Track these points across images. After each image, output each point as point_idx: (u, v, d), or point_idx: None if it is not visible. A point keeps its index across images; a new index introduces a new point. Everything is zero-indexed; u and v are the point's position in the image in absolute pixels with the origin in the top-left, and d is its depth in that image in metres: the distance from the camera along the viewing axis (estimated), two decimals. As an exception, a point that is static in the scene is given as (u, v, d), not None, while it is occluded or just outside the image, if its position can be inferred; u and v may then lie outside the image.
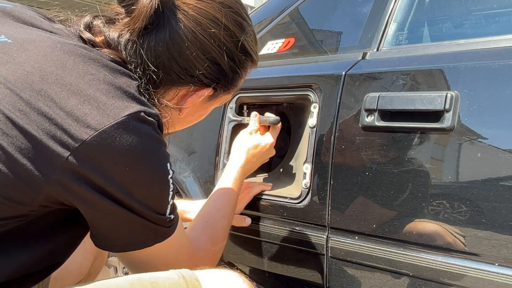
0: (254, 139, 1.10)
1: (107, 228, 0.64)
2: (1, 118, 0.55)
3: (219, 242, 0.91)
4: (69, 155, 0.54)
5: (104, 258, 1.08)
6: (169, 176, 0.64)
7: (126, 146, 0.57)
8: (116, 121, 0.56)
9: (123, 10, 0.67)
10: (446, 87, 0.85)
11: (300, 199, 1.03)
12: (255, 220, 1.13)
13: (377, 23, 1.07)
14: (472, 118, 0.81)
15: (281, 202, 1.07)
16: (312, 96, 1.05)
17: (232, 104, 1.21)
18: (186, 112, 0.75)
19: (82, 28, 0.69)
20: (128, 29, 0.66)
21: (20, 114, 0.55)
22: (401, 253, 0.86)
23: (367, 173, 0.91)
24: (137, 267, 0.71)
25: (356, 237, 0.93)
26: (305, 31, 1.28)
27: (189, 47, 0.67)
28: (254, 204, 1.13)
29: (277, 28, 1.32)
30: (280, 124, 1.14)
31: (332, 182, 0.97)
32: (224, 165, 1.21)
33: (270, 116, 1.14)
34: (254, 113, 1.14)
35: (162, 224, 0.66)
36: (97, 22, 0.70)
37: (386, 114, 0.90)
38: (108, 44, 0.67)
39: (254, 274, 1.19)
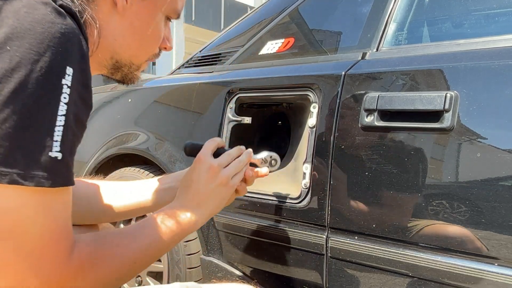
0: (202, 167, 0.83)
1: None
2: None
3: (105, 268, 0.62)
4: None
5: None
6: (63, 81, 0.50)
7: (10, 22, 0.49)
8: None
9: None
10: (445, 87, 0.85)
11: (300, 199, 1.03)
12: (255, 220, 1.13)
13: (377, 23, 1.07)
14: (472, 118, 0.81)
15: (281, 202, 1.07)
16: (312, 96, 1.06)
17: (232, 104, 1.21)
18: (123, 5, 0.66)
19: None
20: None
21: None
22: (401, 253, 0.86)
23: (367, 173, 0.91)
24: None
25: (356, 237, 0.93)
26: (305, 31, 1.28)
27: None
28: (254, 204, 1.13)
29: (277, 28, 1.32)
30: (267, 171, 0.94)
31: (332, 182, 0.97)
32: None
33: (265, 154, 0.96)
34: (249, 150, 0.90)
35: (33, 159, 0.49)
36: None
37: (385, 114, 0.90)
38: None
39: (254, 274, 1.19)
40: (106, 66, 0.72)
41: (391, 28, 1.05)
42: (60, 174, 0.52)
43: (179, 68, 1.66)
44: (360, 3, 1.17)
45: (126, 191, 0.92)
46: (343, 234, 0.95)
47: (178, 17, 0.78)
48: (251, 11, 1.55)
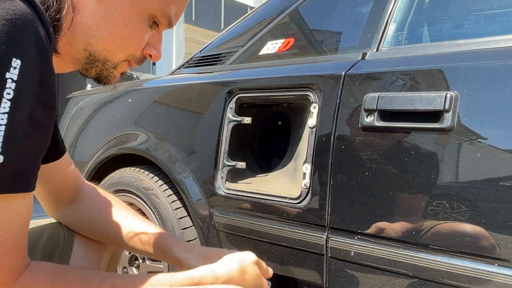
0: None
1: None
2: None
3: None
4: None
5: (117, 262, 1.04)
6: (7, 75, 0.45)
7: None
8: None
9: None
10: (445, 87, 0.85)
11: (300, 199, 1.03)
12: (255, 220, 1.13)
13: (377, 23, 1.07)
14: (472, 118, 0.81)
15: (281, 202, 1.07)
16: (312, 96, 1.06)
17: (232, 104, 1.21)
18: None
19: None
20: None
21: None
22: (401, 253, 0.86)
23: (367, 173, 0.91)
24: None
25: (356, 237, 0.93)
26: (305, 31, 1.28)
27: None
28: (254, 204, 1.13)
29: (277, 28, 1.32)
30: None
31: (332, 182, 0.97)
32: (224, 165, 1.21)
33: None
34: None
35: None
36: None
37: (385, 114, 0.90)
38: None
39: (254, 274, 1.19)
40: (79, 60, 0.66)
41: (391, 28, 1.05)
42: (3, 180, 0.46)
43: (179, 68, 1.66)
44: (360, 3, 1.17)
45: (139, 236, 0.87)
46: (343, 234, 0.95)
47: (169, 24, 0.70)
48: (251, 11, 1.55)
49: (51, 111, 0.52)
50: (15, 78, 0.45)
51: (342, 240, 0.95)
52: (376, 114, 0.91)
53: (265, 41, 1.32)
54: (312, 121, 1.04)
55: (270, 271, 0.83)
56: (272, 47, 1.29)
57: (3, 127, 0.44)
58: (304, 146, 1.06)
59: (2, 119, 0.44)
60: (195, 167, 1.29)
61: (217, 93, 1.27)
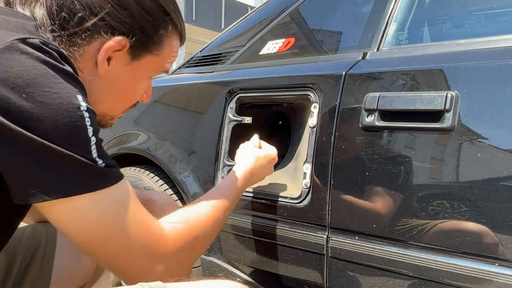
0: (262, 150, 1.07)
1: (22, 170, 0.55)
2: None
3: (198, 232, 0.75)
4: None
5: None
6: (81, 108, 0.57)
7: (15, 69, 0.53)
8: (2, 46, 0.54)
9: None
10: (446, 87, 0.85)
11: (300, 199, 1.03)
12: (256, 220, 1.13)
13: (377, 23, 1.07)
14: (472, 118, 0.81)
15: (281, 202, 1.07)
16: (312, 96, 1.06)
17: (233, 104, 1.22)
18: (105, 69, 0.69)
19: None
20: None
21: None
22: (401, 253, 0.86)
23: (367, 173, 0.91)
24: (70, 231, 0.61)
25: (356, 237, 0.93)
26: (305, 31, 1.28)
27: None
28: (255, 204, 1.13)
29: (277, 28, 1.32)
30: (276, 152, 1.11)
31: (332, 182, 0.97)
32: (224, 165, 1.22)
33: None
34: (256, 135, 1.13)
35: (86, 168, 0.57)
36: None
37: (386, 114, 0.90)
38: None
39: (254, 274, 1.19)
40: None
41: (392, 28, 1.05)
42: (109, 175, 0.60)
43: (179, 68, 1.66)
44: (361, 3, 1.17)
45: None
46: (343, 234, 0.95)
47: (166, 72, 0.80)
48: (252, 11, 1.55)
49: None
50: (85, 108, 0.58)
51: (342, 240, 0.95)
52: (376, 114, 0.91)
53: (266, 41, 1.32)
54: (312, 121, 1.04)
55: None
56: (272, 46, 1.29)
57: (93, 140, 0.59)
58: (305, 146, 1.06)
59: (93, 140, 0.59)
60: (195, 167, 1.29)
61: (218, 93, 1.27)
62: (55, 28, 0.64)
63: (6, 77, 0.53)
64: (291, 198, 1.05)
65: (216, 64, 1.44)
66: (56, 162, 0.55)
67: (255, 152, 1.04)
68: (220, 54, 1.47)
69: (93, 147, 0.58)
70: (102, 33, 0.67)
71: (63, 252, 0.91)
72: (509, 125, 0.77)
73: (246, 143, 1.10)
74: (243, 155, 1.04)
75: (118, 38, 0.67)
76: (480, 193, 0.78)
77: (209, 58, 1.51)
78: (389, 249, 0.88)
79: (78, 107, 0.57)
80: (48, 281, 0.89)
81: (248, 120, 1.19)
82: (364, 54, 1.04)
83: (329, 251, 0.97)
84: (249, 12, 1.57)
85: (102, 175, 0.59)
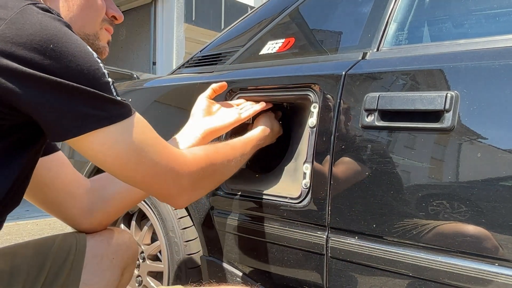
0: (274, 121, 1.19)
1: (54, 111, 0.64)
2: None
3: (215, 162, 0.89)
4: None
5: (132, 272, 1.06)
6: (94, 56, 0.67)
7: (37, 26, 0.61)
8: (20, 9, 0.62)
9: None
10: (446, 87, 0.85)
11: (300, 199, 1.03)
12: (255, 220, 1.13)
13: (377, 23, 1.07)
14: (472, 118, 0.81)
15: (281, 202, 1.07)
16: (312, 96, 1.06)
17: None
18: None
19: None
20: None
21: None
22: (401, 253, 0.86)
23: (367, 173, 0.91)
24: (107, 160, 0.70)
25: (356, 237, 0.93)
26: (305, 31, 1.28)
27: None
28: (254, 204, 1.13)
29: (277, 28, 1.32)
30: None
31: (332, 182, 0.97)
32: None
33: None
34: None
35: (112, 103, 0.67)
36: None
37: (386, 114, 0.90)
38: None
39: (254, 274, 1.19)
40: None
41: (392, 28, 1.05)
42: (128, 107, 0.70)
43: (179, 68, 1.66)
44: (361, 3, 1.17)
45: None
46: (343, 234, 0.95)
47: None
48: (252, 11, 1.54)
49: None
50: (97, 59, 0.68)
51: (342, 240, 0.95)
52: (376, 114, 0.91)
53: (266, 41, 1.32)
54: (312, 120, 1.04)
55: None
56: (272, 46, 1.29)
57: (110, 80, 0.68)
58: (305, 146, 1.06)
59: (110, 81, 0.69)
60: (195, 167, 1.29)
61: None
62: None
63: (32, 32, 0.60)
64: (291, 198, 1.05)
65: (216, 64, 1.44)
66: (88, 101, 0.64)
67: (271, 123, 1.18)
68: (220, 54, 1.47)
69: (112, 87, 0.68)
70: None
71: (89, 266, 0.92)
72: (509, 125, 0.77)
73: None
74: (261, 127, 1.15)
75: None
76: (480, 193, 0.78)
77: (209, 58, 1.51)
78: (389, 249, 0.88)
79: (92, 54, 0.66)
80: None
81: (248, 120, 1.19)
82: (364, 54, 1.04)
83: (329, 251, 0.97)
84: (249, 12, 1.57)
85: (125, 108, 0.69)
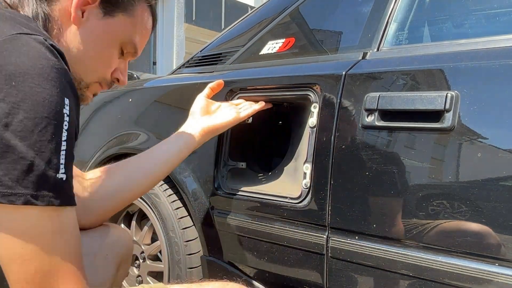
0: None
1: None
2: None
3: None
4: None
5: (128, 267, 1.04)
6: (64, 111, 0.56)
7: (12, 59, 0.54)
8: (3, 38, 0.56)
9: None
10: (446, 87, 0.85)
11: (300, 199, 1.03)
12: (256, 220, 1.13)
13: (378, 23, 1.07)
14: (472, 118, 0.81)
15: (281, 202, 1.07)
16: (312, 96, 1.06)
17: (232, 104, 1.21)
18: (79, 19, 0.73)
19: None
20: None
21: None
22: (401, 253, 0.86)
23: (367, 173, 0.91)
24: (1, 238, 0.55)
25: (356, 237, 0.93)
26: (305, 31, 1.28)
27: None
28: (254, 204, 1.13)
29: (277, 28, 1.32)
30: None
31: (332, 182, 0.97)
32: (225, 164, 1.22)
33: None
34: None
35: (47, 180, 0.54)
36: None
37: (386, 114, 0.90)
38: None
39: (254, 274, 1.19)
40: None
41: (392, 28, 1.05)
42: (65, 194, 0.57)
43: (179, 68, 1.66)
44: (361, 3, 1.17)
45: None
46: (343, 234, 0.95)
47: (135, 53, 0.83)
48: (252, 11, 1.55)
49: (77, 130, 0.65)
50: (68, 113, 0.57)
51: (342, 240, 0.95)
52: (376, 113, 0.91)
53: (266, 41, 1.32)
54: (312, 120, 1.04)
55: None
56: (272, 46, 1.29)
57: (64, 152, 0.56)
58: (305, 146, 1.06)
59: (63, 145, 0.56)
60: (195, 166, 1.29)
61: (218, 93, 1.27)
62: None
63: (2, 64, 0.54)
64: (291, 198, 1.05)
65: (216, 64, 1.44)
66: (16, 162, 0.52)
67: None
68: (220, 54, 1.47)
69: (62, 156, 0.56)
70: None
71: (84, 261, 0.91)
72: (509, 125, 0.78)
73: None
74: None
75: None
76: (480, 193, 0.78)
77: (209, 58, 1.51)
78: (389, 249, 0.88)
79: (57, 107, 0.56)
80: None
81: (248, 120, 1.19)
82: (364, 54, 1.04)
83: (329, 251, 0.97)
84: (249, 12, 1.57)
85: (60, 191, 0.56)
